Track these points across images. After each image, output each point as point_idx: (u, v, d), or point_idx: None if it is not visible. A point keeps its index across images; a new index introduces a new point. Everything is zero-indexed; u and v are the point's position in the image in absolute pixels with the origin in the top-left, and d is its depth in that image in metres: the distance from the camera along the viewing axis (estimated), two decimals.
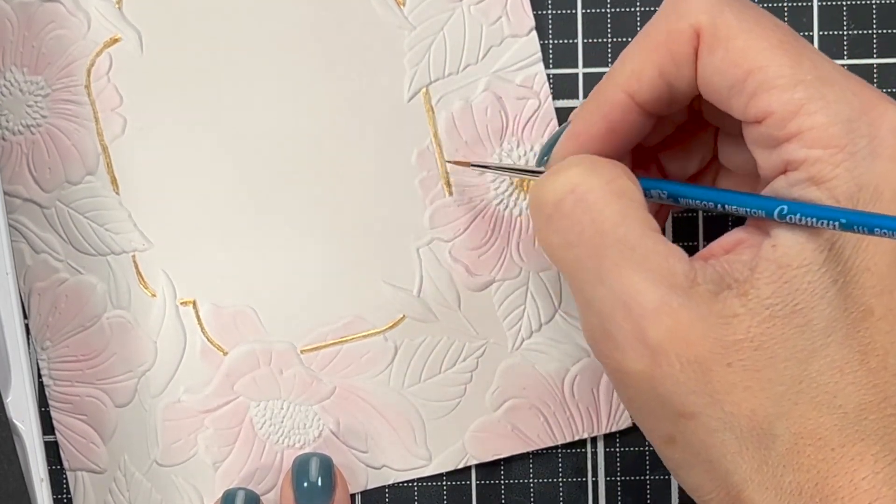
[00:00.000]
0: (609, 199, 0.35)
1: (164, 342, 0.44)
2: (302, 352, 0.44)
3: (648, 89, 0.37)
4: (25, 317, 0.44)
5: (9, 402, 0.41)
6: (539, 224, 0.37)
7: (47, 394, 0.44)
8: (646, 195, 0.37)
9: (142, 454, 0.44)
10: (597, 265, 0.35)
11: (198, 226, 0.44)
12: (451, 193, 0.44)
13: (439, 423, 0.44)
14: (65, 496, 0.44)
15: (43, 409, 0.44)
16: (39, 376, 0.44)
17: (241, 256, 0.44)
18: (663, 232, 0.41)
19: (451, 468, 0.44)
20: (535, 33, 0.44)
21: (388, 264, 0.44)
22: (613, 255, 0.35)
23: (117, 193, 0.44)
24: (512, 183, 0.44)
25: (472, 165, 0.42)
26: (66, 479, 0.44)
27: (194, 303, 0.44)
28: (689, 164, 0.41)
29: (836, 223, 0.34)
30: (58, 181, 0.44)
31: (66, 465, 0.44)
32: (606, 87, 0.38)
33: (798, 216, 0.34)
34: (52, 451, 0.44)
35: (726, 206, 0.37)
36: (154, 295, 0.44)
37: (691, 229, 0.45)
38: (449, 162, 0.43)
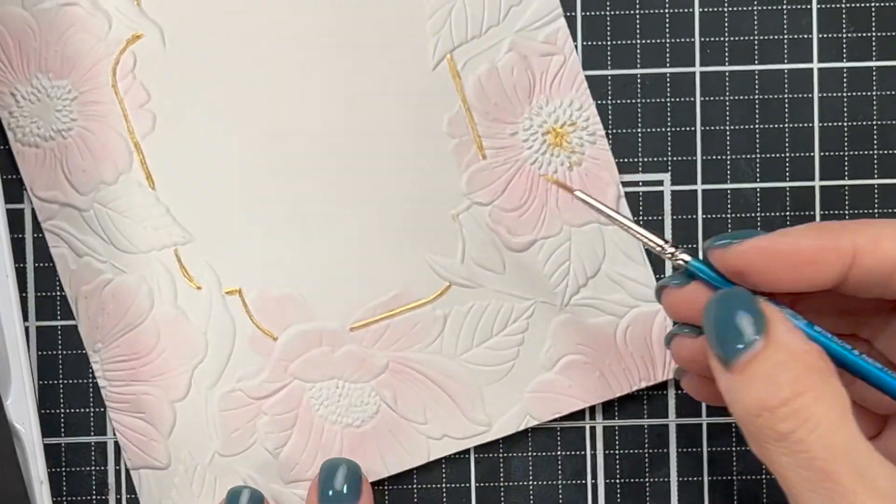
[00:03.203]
0: (838, 426, 0.35)
1: (214, 333, 0.44)
2: (352, 329, 0.44)
3: (875, 263, 0.36)
4: (65, 319, 0.44)
5: (8, 404, 0.41)
6: (758, 437, 0.36)
7: (103, 395, 0.44)
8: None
9: (203, 446, 0.44)
10: (828, 489, 0.34)
11: (236, 214, 0.44)
12: (484, 157, 0.44)
13: (496, 387, 0.44)
14: (64, 499, 0.44)
15: (100, 410, 0.44)
16: (94, 378, 0.44)
17: (281, 240, 0.44)
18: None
19: (511, 431, 0.44)
20: None
21: (429, 234, 0.44)
22: (847, 481, 0.34)
23: (153, 189, 0.44)
24: (545, 141, 0.44)
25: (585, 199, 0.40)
26: (66, 480, 0.44)
27: (240, 291, 0.44)
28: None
29: None
30: (93, 183, 0.44)
31: (128, 464, 0.44)
32: (844, 232, 0.37)
33: None
34: (53, 454, 0.44)
35: None
36: (199, 287, 0.44)
37: (691, 231, 0.44)
38: (549, 180, 0.43)
